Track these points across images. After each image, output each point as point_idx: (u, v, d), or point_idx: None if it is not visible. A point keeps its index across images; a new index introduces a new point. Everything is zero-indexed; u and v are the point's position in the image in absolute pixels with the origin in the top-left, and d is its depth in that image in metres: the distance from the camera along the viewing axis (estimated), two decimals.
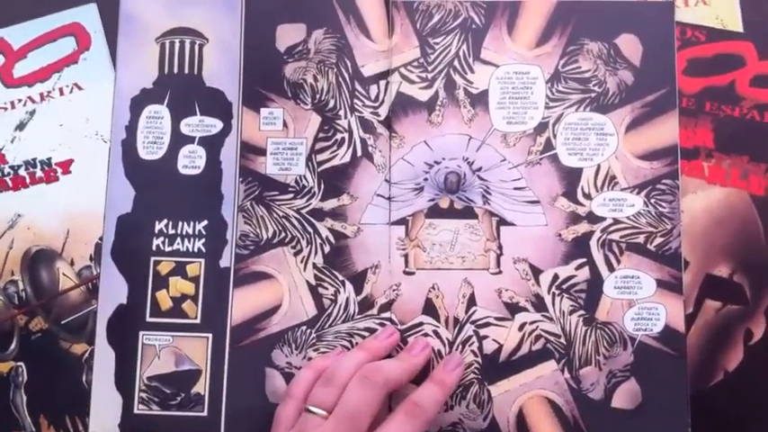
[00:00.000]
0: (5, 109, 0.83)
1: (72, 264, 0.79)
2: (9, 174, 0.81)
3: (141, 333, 0.77)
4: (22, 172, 0.81)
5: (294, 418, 0.69)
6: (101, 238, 0.79)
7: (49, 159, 0.81)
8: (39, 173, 0.81)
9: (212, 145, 0.80)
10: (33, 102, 0.83)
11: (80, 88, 0.83)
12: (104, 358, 0.77)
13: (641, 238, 0.76)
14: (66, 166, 0.81)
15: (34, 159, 0.82)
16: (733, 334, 0.76)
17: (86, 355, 0.78)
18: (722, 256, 0.77)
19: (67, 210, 0.80)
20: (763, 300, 0.76)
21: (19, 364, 0.78)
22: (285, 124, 0.80)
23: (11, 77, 0.83)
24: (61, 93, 0.83)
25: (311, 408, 0.67)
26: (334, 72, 0.80)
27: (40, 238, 0.80)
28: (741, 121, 0.79)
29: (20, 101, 0.83)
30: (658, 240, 0.76)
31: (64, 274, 0.79)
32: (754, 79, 0.80)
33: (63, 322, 0.79)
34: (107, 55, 0.83)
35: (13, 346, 0.78)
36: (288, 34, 0.81)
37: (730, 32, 0.81)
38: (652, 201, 0.77)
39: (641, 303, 0.75)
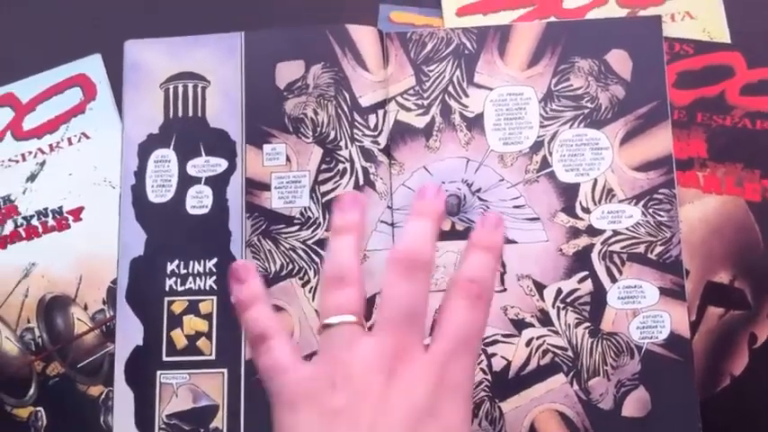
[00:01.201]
0: (17, 162, 0.85)
1: (86, 308, 0.81)
2: (22, 224, 0.84)
3: (159, 372, 0.78)
4: (34, 222, 0.84)
5: (292, 353, 0.57)
6: (113, 282, 0.81)
7: (60, 208, 0.84)
8: (51, 221, 0.83)
9: (218, 184, 0.82)
10: (43, 153, 0.85)
11: (87, 137, 0.86)
12: (124, 399, 0.78)
13: (641, 248, 0.78)
14: (76, 213, 0.84)
15: (46, 209, 0.84)
16: (737, 339, 0.77)
17: (103, 396, 0.79)
18: (722, 263, 0.78)
19: (80, 256, 0.82)
20: (766, 304, 0.77)
21: (38, 408, 0.80)
22: (288, 159, 0.82)
23: (21, 130, 0.86)
24: (69, 143, 0.85)
25: (335, 320, 0.56)
26: (333, 104, 0.82)
27: (54, 285, 0.82)
28: (733, 129, 0.81)
29: (30, 153, 0.85)
30: (659, 249, 0.77)
31: (78, 318, 0.81)
32: (744, 88, 0.81)
33: (79, 366, 0.80)
34: (112, 103, 0.86)
35: (31, 391, 0.80)
36: (287, 71, 0.84)
37: (718, 44, 0.83)
38: (650, 211, 0.78)
39: (645, 312, 0.76)
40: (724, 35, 0.83)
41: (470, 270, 0.58)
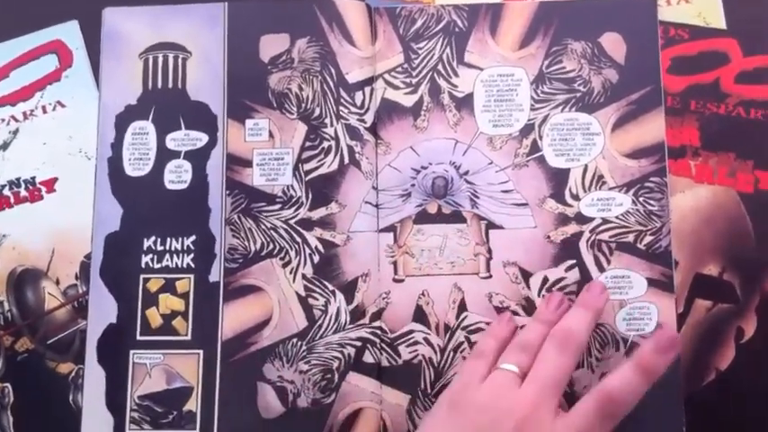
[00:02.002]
0: None
1: (58, 283, 0.80)
2: None
3: (132, 352, 0.77)
4: (6, 192, 0.82)
5: (484, 374, 0.68)
6: (86, 257, 0.80)
7: (33, 178, 0.82)
8: (23, 192, 0.82)
9: (198, 159, 0.80)
10: (17, 121, 0.83)
11: (63, 106, 0.84)
12: (95, 378, 0.77)
13: (631, 237, 0.77)
14: (50, 184, 0.82)
15: (18, 179, 0.82)
16: (724, 333, 0.76)
17: (73, 374, 0.78)
18: (711, 254, 0.77)
19: (52, 228, 0.81)
20: (754, 298, 0.77)
21: (5, 384, 0.78)
22: (271, 135, 0.80)
23: None
24: (44, 111, 0.84)
25: (505, 365, 0.68)
26: (318, 80, 0.81)
27: (26, 257, 0.80)
28: (727, 118, 0.80)
29: (3, 120, 0.84)
30: (648, 239, 0.76)
31: (50, 293, 0.80)
32: (739, 76, 0.80)
33: (49, 342, 0.79)
34: (89, 72, 0.84)
35: None
36: (271, 44, 0.82)
37: (713, 30, 0.82)
38: (640, 199, 0.77)
39: (632, 303, 0.76)
40: (720, 21, 0.82)
41: (567, 321, 0.70)
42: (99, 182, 0.80)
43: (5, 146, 0.83)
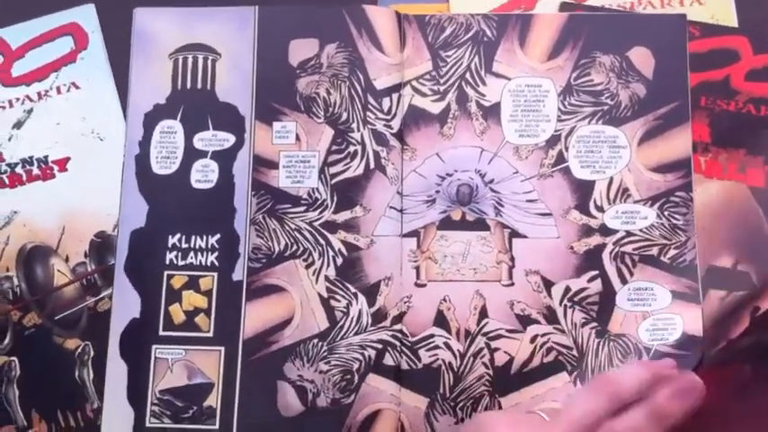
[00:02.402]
0: (3, 108, 0.85)
1: (67, 260, 0.81)
2: (6, 171, 0.83)
3: (154, 347, 0.78)
4: (18, 170, 0.83)
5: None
6: (96, 235, 0.81)
7: (46, 157, 0.83)
8: (35, 170, 0.83)
9: (225, 159, 0.81)
10: (31, 101, 0.85)
11: (77, 87, 0.85)
12: (117, 372, 0.77)
13: (655, 251, 0.77)
14: (62, 163, 0.83)
15: (31, 157, 0.83)
16: (741, 314, 0.77)
17: (79, 350, 0.79)
18: (724, 247, 0.78)
19: (63, 207, 0.82)
20: None
21: (12, 358, 0.79)
22: (298, 138, 0.81)
23: (9, 77, 0.85)
24: (58, 92, 0.85)
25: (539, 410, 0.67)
26: (346, 85, 0.81)
27: (36, 234, 0.81)
28: (737, 115, 0.80)
29: (18, 100, 0.85)
30: (672, 252, 0.77)
31: (59, 270, 0.81)
32: (750, 73, 0.81)
33: (57, 318, 0.80)
34: (104, 54, 0.86)
35: (6, 340, 0.79)
36: (300, 49, 0.82)
37: (724, 27, 0.83)
38: (665, 213, 0.77)
39: (656, 315, 0.76)
40: (731, 19, 0.83)
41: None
42: (126, 179, 0.81)
43: (20, 124, 0.84)
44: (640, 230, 0.77)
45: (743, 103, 0.80)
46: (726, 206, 0.78)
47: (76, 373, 0.79)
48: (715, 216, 0.78)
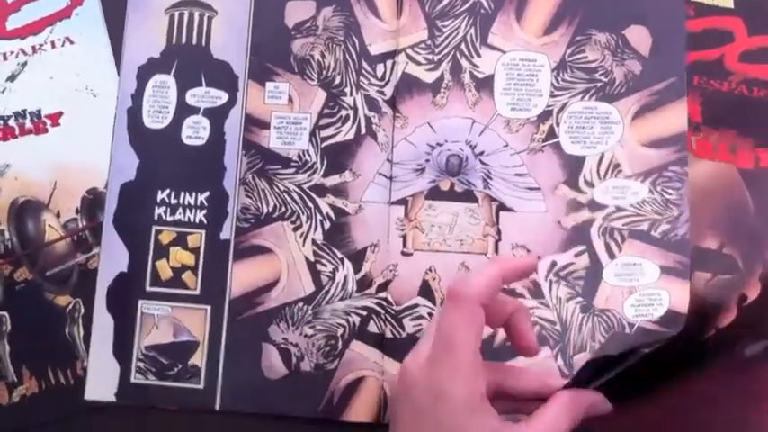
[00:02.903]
0: None
1: (58, 216, 0.80)
2: None
3: (140, 302, 0.78)
4: (11, 123, 0.82)
5: None
6: (87, 192, 0.81)
7: (39, 111, 0.83)
8: (28, 124, 0.82)
9: (217, 116, 0.81)
10: (25, 54, 0.84)
11: (72, 42, 0.84)
12: (103, 325, 0.78)
13: (645, 226, 0.77)
14: (55, 118, 0.82)
15: (24, 110, 0.83)
16: (726, 299, 0.77)
17: (70, 307, 0.79)
18: (709, 229, 0.78)
19: (55, 162, 0.81)
20: (757, 267, 0.78)
21: (3, 313, 0.79)
22: (290, 99, 0.81)
23: (4, 30, 0.84)
24: (53, 46, 0.84)
25: None
26: (341, 49, 0.81)
27: (28, 188, 0.81)
28: (729, 95, 0.80)
29: (12, 53, 0.84)
30: (664, 227, 0.77)
31: (50, 225, 0.80)
32: (744, 55, 0.81)
33: (48, 273, 0.79)
34: (100, 10, 0.85)
35: None
36: (297, 11, 0.82)
37: (719, 8, 0.82)
38: (658, 188, 0.78)
39: (643, 290, 0.76)
40: (728, 3, 0.83)
41: None
42: (117, 132, 0.81)
43: (13, 77, 0.83)
44: (631, 206, 0.78)
45: (736, 84, 0.80)
46: (714, 187, 0.78)
47: (66, 330, 0.78)
48: (703, 197, 0.78)
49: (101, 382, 0.77)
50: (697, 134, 0.79)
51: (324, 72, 0.81)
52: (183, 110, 0.81)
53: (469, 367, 0.57)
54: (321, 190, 0.79)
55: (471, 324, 0.58)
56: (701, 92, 0.80)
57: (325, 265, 0.78)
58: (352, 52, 0.81)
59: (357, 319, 0.77)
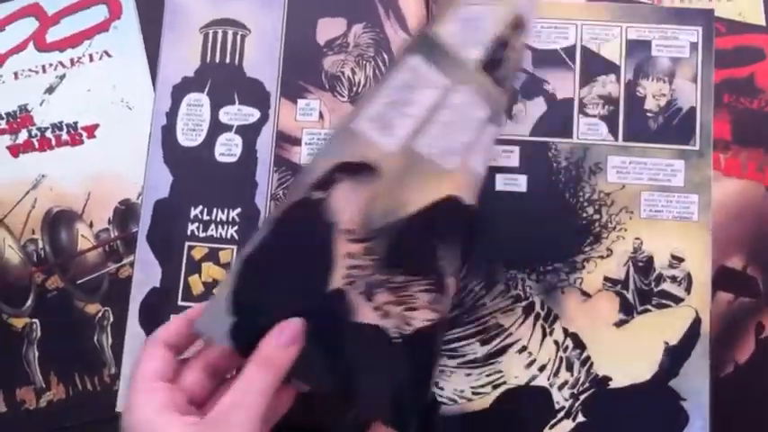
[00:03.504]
0: (36, 72, 0.86)
1: (91, 226, 0.83)
2: (36, 135, 0.85)
3: (173, 316, 0.79)
4: (48, 134, 0.85)
5: None
6: (120, 203, 0.83)
7: (76, 123, 0.85)
8: (65, 136, 0.85)
9: (249, 134, 0.82)
10: (64, 67, 0.86)
11: (109, 55, 0.86)
12: (136, 339, 0.79)
13: None
14: (91, 130, 0.85)
15: (61, 122, 0.85)
16: (744, 326, 0.77)
17: (99, 315, 0.81)
18: (736, 248, 0.78)
19: (90, 173, 0.84)
20: None
21: (34, 320, 0.81)
22: (321, 116, 0.82)
23: (44, 42, 0.87)
24: (91, 59, 0.86)
25: None
26: (371, 65, 0.82)
27: (62, 199, 0.83)
28: (759, 113, 0.80)
29: (51, 65, 0.86)
30: None
31: (83, 235, 0.82)
32: None
33: (79, 282, 0.82)
34: (137, 24, 0.87)
35: (29, 302, 0.81)
36: (328, 28, 0.83)
37: (750, 25, 0.82)
38: None
39: None
40: (759, 17, 0.83)
41: None
42: (152, 149, 0.82)
43: (51, 90, 0.86)
44: None
45: (766, 102, 0.80)
46: (742, 205, 0.78)
47: (95, 338, 0.80)
48: (731, 215, 0.78)
49: None
50: (726, 152, 0.79)
51: (354, 88, 0.82)
52: (217, 127, 0.83)
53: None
54: None
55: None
56: (731, 110, 0.80)
57: None
58: (383, 68, 0.82)
59: None
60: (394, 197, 0.63)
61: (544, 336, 0.76)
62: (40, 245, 0.82)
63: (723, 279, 0.77)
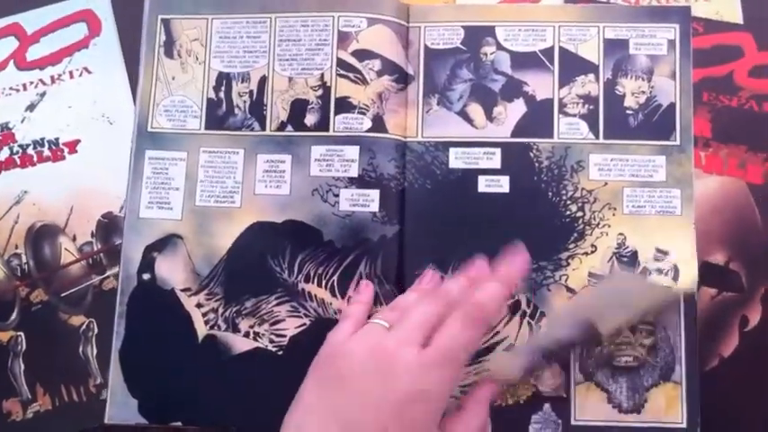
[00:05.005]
0: (17, 90, 0.87)
1: (74, 239, 0.83)
2: (18, 152, 0.85)
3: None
4: (30, 151, 0.85)
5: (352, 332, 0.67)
6: (103, 216, 0.83)
7: (57, 139, 0.85)
8: (46, 152, 0.85)
9: None
10: (44, 84, 0.87)
11: (89, 72, 0.87)
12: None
13: None
14: (72, 145, 0.85)
15: (42, 139, 0.85)
16: (729, 320, 0.78)
17: (84, 326, 0.80)
18: (718, 243, 0.79)
19: (72, 187, 0.84)
20: (760, 287, 0.78)
21: (19, 333, 0.81)
22: None
23: (24, 60, 0.87)
24: (71, 76, 0.87)
25: (377, 320, 0.66)
26: None
27: (45, 213, 0.83)
28: (739, 110, 0.81)
29: (31, 83, 0.87)
30: None
31: (66, 248, 0.82)
32: (753, 70, 0.82)
33: (63, 295, 0.81)
34: (117, 41, 0.88)
35: (13, 316, 0.81)
36: None
37: (728, 24, 0.83)
38: None
39: None
40: (736, 15, 0.84)
41: (481, 296, 0.66)
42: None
43: (32, 107, 0.86)
44: None
45: (746, 99, 0.81)
46: (723, 202, 0.79)
47: (80, 349, 0.80)
48: (712, 211, 0.79)
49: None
50: (706, 149, 0.80)
51: None
52: None
53: None
54: None
55: None
56: (711, 108, 0.81)
57: None
58: None
59: None
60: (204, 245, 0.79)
61: (531, 333, 0.76)
62: (24, 259, 0.82)
63: (706, 275, 0.78)
